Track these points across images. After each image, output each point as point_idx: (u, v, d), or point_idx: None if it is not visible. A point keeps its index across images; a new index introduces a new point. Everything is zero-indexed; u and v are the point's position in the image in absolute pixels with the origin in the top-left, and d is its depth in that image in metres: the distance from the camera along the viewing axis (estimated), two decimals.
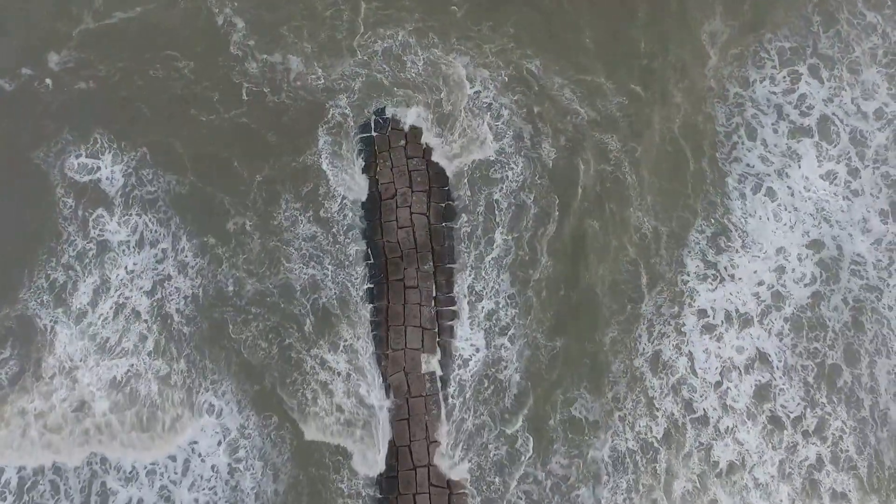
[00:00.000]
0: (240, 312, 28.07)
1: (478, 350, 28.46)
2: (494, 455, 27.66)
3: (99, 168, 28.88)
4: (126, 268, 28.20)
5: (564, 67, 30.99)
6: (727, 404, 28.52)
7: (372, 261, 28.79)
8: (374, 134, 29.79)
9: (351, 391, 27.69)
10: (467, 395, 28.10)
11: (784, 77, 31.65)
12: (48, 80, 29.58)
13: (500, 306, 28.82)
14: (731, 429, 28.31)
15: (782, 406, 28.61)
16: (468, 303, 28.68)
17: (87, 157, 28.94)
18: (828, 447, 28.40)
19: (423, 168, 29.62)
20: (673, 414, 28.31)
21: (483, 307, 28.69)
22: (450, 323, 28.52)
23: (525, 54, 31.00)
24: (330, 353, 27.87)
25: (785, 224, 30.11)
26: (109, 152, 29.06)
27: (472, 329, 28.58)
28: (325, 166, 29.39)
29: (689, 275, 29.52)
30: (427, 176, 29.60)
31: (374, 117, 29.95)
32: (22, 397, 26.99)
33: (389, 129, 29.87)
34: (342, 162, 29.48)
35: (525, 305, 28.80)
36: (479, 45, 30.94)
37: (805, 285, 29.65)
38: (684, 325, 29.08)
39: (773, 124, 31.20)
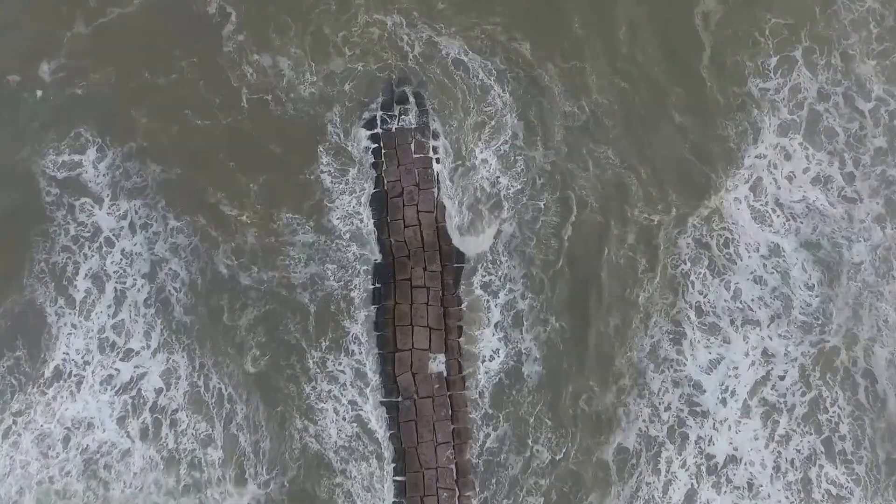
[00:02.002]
0: (237, 298, 27.91)
1: (497, 352, 28.38)
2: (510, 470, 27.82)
3: (82, 164, 28.48)
4: (123, 250, 27.96)
5: (555, 54, 30.42)
6: (725, 397, 28.75)
7: (380, 260, 28.43)
8: (379, 131, 29.12)
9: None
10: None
11: (775, 67, 31.17)
12: (38, 91, 28.98)
13: (518, 293, 28.57)
14: (729, 422, 28.59)
15: (773, 391, 28.96)
16: (484, 300, 28.51)
17: (70, 153, 28.56)
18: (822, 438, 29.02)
19: (431, 165, 29.11)
20: (672, 407, 28.54)
21: (498, 303, 28.52)
22: (458, 323, 28.31)
23: (514, 37, 30.36)
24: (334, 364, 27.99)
25: (780, 225, 30.13)
26: (96, 147, 28.59)
27: (493, 332, 28.44)
28: (327, 183, 28.79)
29: (685, 261, 29.49)
30: (434, 174, 29.09)
31: (379, 114, 29.27)
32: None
33: (395, 126, 29.22)
34: (344, 174, 28.93)
35: (538, 286, 28.62)
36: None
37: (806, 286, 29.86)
38: (683, 318, 29.18)
39: (767, 121, 30.85)
